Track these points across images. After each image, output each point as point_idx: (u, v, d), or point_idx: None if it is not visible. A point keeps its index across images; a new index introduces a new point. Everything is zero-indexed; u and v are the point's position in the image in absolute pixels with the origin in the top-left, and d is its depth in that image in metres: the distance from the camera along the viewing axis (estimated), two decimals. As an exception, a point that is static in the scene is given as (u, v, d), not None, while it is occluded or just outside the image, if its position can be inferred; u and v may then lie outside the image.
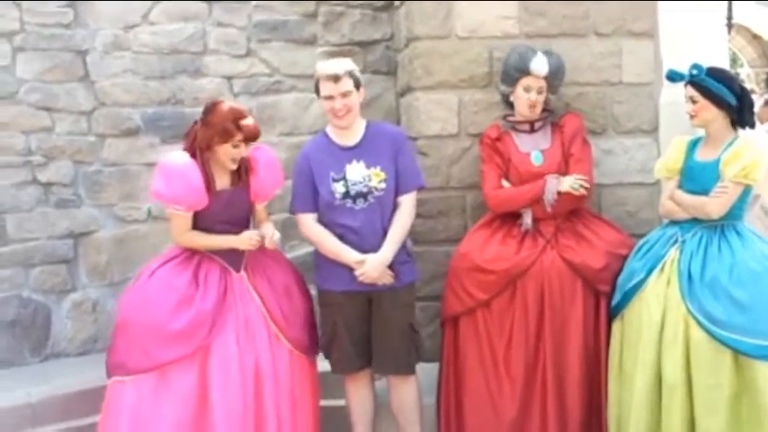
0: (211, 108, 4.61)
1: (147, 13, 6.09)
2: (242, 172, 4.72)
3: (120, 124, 6.04)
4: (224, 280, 4.63)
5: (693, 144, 4.86)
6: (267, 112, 5.85)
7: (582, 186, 4.99)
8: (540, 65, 5.09)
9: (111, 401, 4.55)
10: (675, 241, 4.74)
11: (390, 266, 4.71)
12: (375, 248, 4.71)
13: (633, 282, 4.77)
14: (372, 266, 4.66)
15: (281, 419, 4.61)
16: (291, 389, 4.68)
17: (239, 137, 4.55)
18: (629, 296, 4.78)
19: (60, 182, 5.88)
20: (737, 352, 4.42)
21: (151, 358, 4.44)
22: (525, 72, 5.12)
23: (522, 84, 5.15)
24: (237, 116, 4.58)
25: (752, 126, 4.84)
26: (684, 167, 4.81)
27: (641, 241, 4.93)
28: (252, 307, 4.64)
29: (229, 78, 6.18)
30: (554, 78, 5.19)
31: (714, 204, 4.61)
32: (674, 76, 4.79)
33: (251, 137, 4.62)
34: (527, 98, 5.15)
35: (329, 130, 4.88)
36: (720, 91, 4.67)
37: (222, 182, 4.66)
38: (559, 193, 4.99)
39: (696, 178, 4.73)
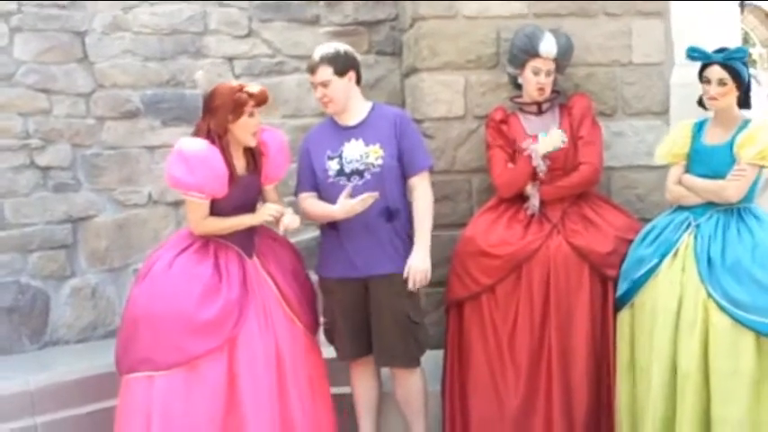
0: (211, 94, 4.55)
1: (147, -6, 6.02)
2: (255, 156, 4.68)
3: (120, 106, 5.97)
4: (242, 267, 4.59)
5: (698, 127, 4.79)
6: (269, 93, 5.72)
7: (563, 141, 4.93)
8: (548, 46, 5.00)
9: (135, 398, 4.44)
10: (688, 226, 4.66)
11: (381, 250, 4.65)
12: (373, 228, 4.65)
13: (644, 269, 4.68)
14: (422, 264, 4.64)
15: (303, 401, 4.60)
16: (309, 370, 4.68)
17: (252, 103, 4.51)
18: (638, 284, 4.70)
19: (59, 165, 5.80)
20: (761, 335, 4.35)
21: (183, 352, 4.37)
22: (534, 54, 5.03)
23: (530, 66, 5.06)
24: (239, 86, 4.55)
25: (749, 107, 4.78)
26: (692, 151, 4.74)
27: (646, 227, 4.86)
28: (268, 292, 4.62)
29: (230, 59, 6.10)
30: (563, 59, 5.12)
31: (733, 188, 4.56)
32: (696, 54, 4.70)
33: (262, 100, 4.57)
34: (536, 81, 5.07)
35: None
36: (744, 72, 4.63)
37: (239, 167, 4.62)
38: (547, 157, 4.96)
39: (707, 162, 4.67)
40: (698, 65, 4.74)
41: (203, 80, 4.55)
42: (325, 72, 4.66)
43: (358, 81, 4.81)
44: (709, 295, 4.45)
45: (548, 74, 5.07)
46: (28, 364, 5.43)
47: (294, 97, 6.20)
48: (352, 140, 4.70)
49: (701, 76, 4.69)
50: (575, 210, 5.01)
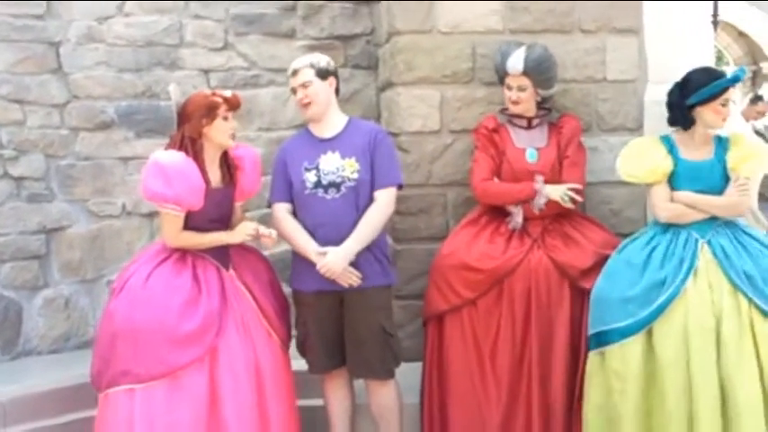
0: (184, 104, 4.54)
1: (122, 5, 6.00)
2: (231, 170, 4.68)
3: (94, 118, 5.96)
4: (220, 279, 4.57)
5: (669, 144, 4.79)
6: (245, 106, 5.69)
7: (571, 199, 4.92)
8: (513, 63, 5.04)
9: (116, 413, 4.38)
10: (696, 243, 4.65)
11: (356, 266, 4.63)
12: None
13: (668, 291, 4.54)
14: (334, 259, 4.58)
15: (281, 414, 4.59)
16: (284, 383, 4.67)
17: (225, 106, 4.51)
18: (662, 309, 4.54)
19: (32, 176, 5.78)
20: None
21: (165, 363, 4.33)
22: (504, 70, 5.08)
23: (505, 82, 5.11)
24: (211, 92, 4.58)
25: None
26: (678, 168, 4.72)
27: (644, 249, 4.72)
28: (245, 304, 4.61)
29: (206, 72, 6.10)
30: (536, 74, 5.07)
31: (745, 202, 4.69)
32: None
33: (235, 103, 4.57)
34: (508, 96, 5.12)
35: (311, 124, 4.85)
36: None
37: (214, 180, 4.59)
38: (549, 199, 4.94)
39: (699, 178, 4.69)
40: (671, 83, 4.80)
41: (176, 93, 4.53)
42: (307, 73, 4.72)
43: (337, 93, 4.85)
44: (754, 305, 4.48)
45: (520, 89, 5.08)
46: (0, 375, 5.38)
47: (269, 110, 6.19)
48: (329, 152, 4.71)
49: (713, 98, 4.67)
50: (555, 226, 5.03)
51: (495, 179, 5.11)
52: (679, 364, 4.49)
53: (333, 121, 4.80)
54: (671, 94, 4.80)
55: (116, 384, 4.37)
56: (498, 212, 5.10)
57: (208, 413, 4.38)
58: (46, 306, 5.85)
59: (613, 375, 4.62)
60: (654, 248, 4.70)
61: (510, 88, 5.10)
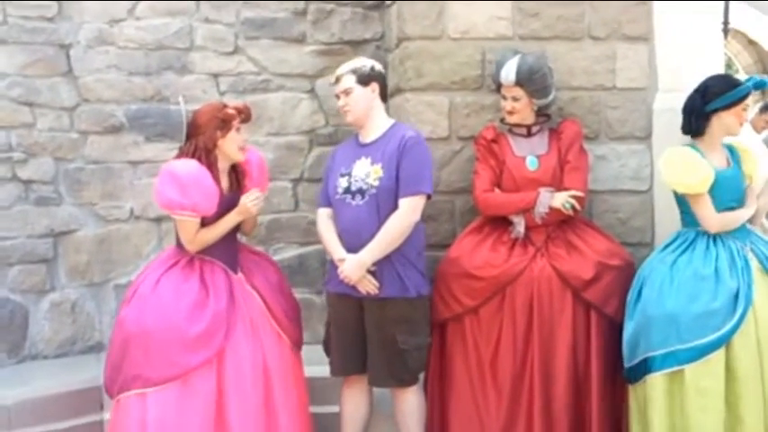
0: (195, 116, 4.60)
1: (133, 8, 6.00)
2: (238, 175, 4.72)
3: (104, 121, 5.96)
4: (228, 282, 4.61)
5: (700, 152, 4.72)
6: (254, 111, 5.69)
7: (573, 207, 4.91)
8: (505, 74, 5.02)
9: (128, 417, 4.42)
10: (743, 250, 4.67)
11: (375, 274, 4.63)
12: None
13: (743, 303, 4.50)
14: (350, 266, 4.60)
15: (290, 415, 4.62)
16: (297, 386, 4.71)
17: (238, 119, 4.58)
18: (740, 321, 4.49)
19: (41, 179, 5.80)
20: None
21: (176, 365, 4.38)
22: (498, 82, 5.09)
23: (501, 92, 5.12)
24: (222, 105, 4.65)
25: None
26: (718, 178, 4.66)
27: (707, 260, 4.65)
28: (255, 307, 4.65)
29: (216, 76, 6.09)
30: (528, 84, 5.02)
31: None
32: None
33: (248, 115, 4.66)
34: (503, 106, 5.12)
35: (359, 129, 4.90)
36: None
37: (224, 186, 4.64)
38: (551, 207, 4.92)
39: (731, 188, 4.71)
40: (681, 91, 4.81)
41: (183, 105, 4.59)
42: (349, 80, 4.74)
43: (384, 98, 4.87)
44: None
45: (514, 99, 5.06)
46: (6, 379, 5.41)
47: (279, 115, 6.17)
48: (363, 158, 4.73)
49: (736, 103, 4.70)
50: (558, 234, 5.01)
51: (497, 190, 5.10)
52: (756, 374, 4.49)
53: (375, 126, 4.82)
54: (691, 100, 4.79)
55: (127, 389, 4.42)
56: (502, 221, 5.08)
57: (216, 415, 4.41)
58: (52, 310, 5.85)
59: (695, 393, 4.50)
60: (716, 258, 4.64)
61: (505, 98, 5.09)
